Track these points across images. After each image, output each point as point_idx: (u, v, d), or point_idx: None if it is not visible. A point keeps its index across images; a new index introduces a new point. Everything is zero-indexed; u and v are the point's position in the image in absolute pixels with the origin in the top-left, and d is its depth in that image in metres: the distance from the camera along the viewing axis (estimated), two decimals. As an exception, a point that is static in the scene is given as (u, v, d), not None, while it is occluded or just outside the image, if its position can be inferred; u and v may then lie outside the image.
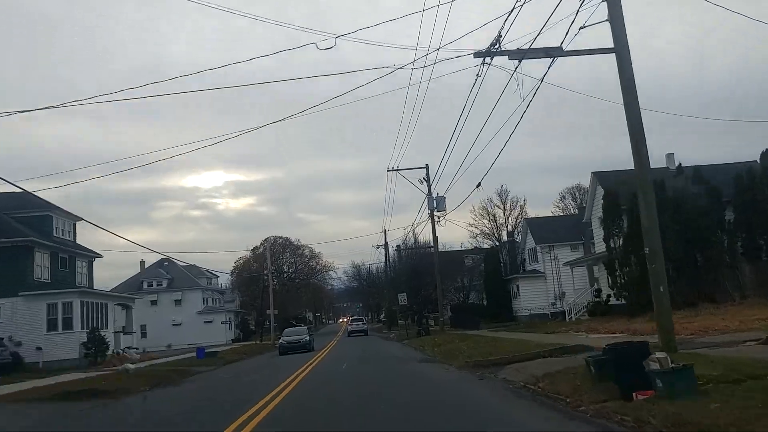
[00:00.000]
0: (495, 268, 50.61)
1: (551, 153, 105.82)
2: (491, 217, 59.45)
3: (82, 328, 31.11)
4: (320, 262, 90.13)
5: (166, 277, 70.46)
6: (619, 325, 26.39)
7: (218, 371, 26.67)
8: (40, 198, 32.59)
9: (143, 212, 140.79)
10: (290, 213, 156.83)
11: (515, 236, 59.74)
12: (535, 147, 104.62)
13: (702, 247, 29.63)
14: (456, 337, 31.33)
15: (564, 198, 64.89)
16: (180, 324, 68.10)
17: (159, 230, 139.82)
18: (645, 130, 13.18)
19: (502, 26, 12.75)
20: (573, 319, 35.62)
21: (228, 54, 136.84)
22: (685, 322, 21.31)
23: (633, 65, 13.14)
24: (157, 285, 70.08)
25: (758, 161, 30.91)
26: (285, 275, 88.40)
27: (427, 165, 43.54)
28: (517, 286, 48.02)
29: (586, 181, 65.73)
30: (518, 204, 59.25)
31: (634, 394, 8.04)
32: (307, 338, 34.68)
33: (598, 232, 36.50)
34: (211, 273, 77.61)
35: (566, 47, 13.23)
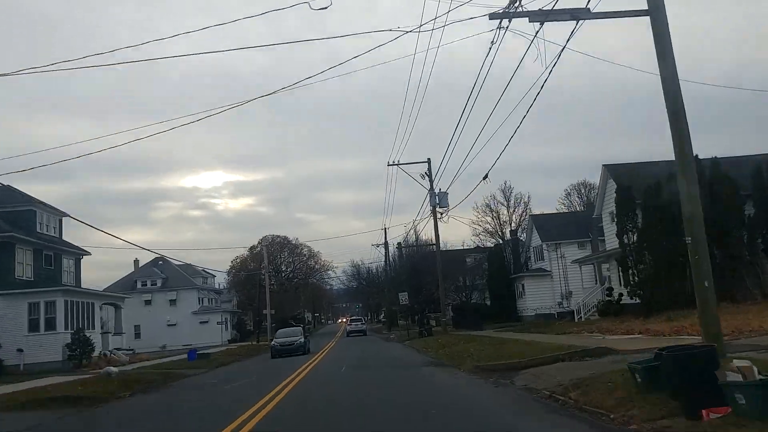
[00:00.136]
0: (499, 267, 48.95)
1: (553, 153, 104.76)
2: (494, 215, 57.77)
3: (66, 328, 29.43)
4: (319, 261, 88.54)
5: (161, 276, 68.76)
6: (635, 325, 24.76)
7: (208, 375, 25.05)
8: (23, 192, 30.94)
9: (143, 212, 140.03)
10: (290, 213, 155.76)
11: (519, 234, 58.06)
12: (537, 147, 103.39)
13: (720, 243, 28.00)
14: (460, 338, 29.72)
15: (570, 195, 63.28)
16: (175, 324, 66.44)
17: (158, 230, 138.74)
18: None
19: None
20: (582, 319, 33.99)
21: (226, 53, 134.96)
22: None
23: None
24: (152, 284, 68.40)
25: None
26: (283, 275, 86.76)
27: (429, 159, 41.98)
28: (523, 285, 46.36)
29: (592, 178, 64.75)
30: (522, 201, 57.57)
31: (703, 412, 6.40)
32: (302, 340, 32.11)
33: (609, 228, 34.88)
34: (207, 272, 75.91)
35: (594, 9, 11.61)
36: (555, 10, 11.52)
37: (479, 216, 57.83)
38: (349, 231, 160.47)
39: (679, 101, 11.49)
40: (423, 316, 49.25)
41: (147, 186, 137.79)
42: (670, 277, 28.18)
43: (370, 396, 12.63)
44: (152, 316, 66.15)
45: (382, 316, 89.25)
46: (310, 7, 10.58)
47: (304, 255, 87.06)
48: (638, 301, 29.78)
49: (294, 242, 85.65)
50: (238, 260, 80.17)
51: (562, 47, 12.41)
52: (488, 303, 54.09)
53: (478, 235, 59.45)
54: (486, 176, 25.33)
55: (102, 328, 37.89)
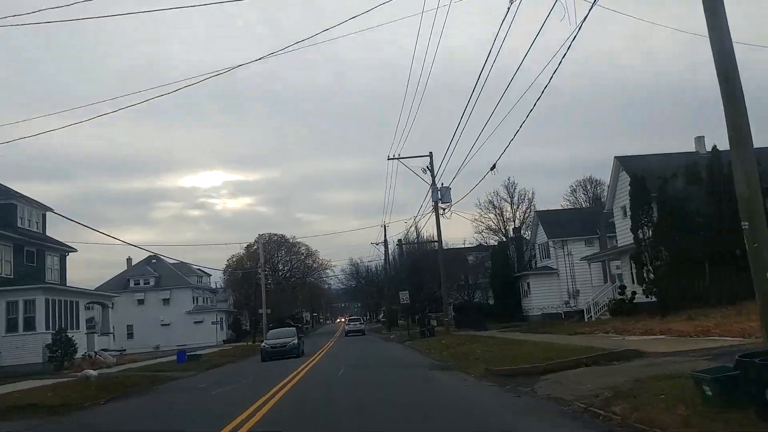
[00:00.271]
0: (503, 265, 47.23)
1: (554, 153, 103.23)
2: (498, 212, 56.08)
3: (47, 328, 27.74)
4: (317, 259, 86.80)
5: (154, 275, 67.00)
6: (652, 324, 23.11)
7: (197, 377, 23.40)
8: (2, 185, 29.21)
9: (142, 212, 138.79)
10: (289, 213, 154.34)
11: (523, 231, 56.45)
12: (538, 147, 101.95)
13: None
14: (465, 339, 28.06)
15: (575, 191, 61.55)
16: (168, 324, 64.73)
17: (158, 230, 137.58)
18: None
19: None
20: (593, 318, 32.34)
21: (225, 53, 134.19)
22: (747, 321, 17.97)
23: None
24: (144, 283, 66.64)
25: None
26: (280, 274, 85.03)
27: (431, 153, 40.42)
28: (528, 284, 44.69)
29: (596, 175, 63.29)
30: (526, 197, 55.84)
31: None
32: (296, 341, 29.44)
33: (622, 224, 33.26)
34: (202, 271, 74.17)
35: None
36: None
37: (482, 213, 56.19)
38: (349, 230, 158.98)
39: (732, 60, 9.84)
40: (424, 315, 47.56)
41: (147, 186, 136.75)
42: (688, 274, 26.60)
43: (370, 402, 10.97)
44: (145, 315, 64.47)
45: (381, 316, 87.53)
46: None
47: (302, 253, 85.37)
48: (653, 299, 28.16)
49: (291, 240, 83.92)
50: (234, 259, 78.38)
51: (592, 3, 10.79)
52: (491, 302, 52.43)
53: (480, 232, 57.85)
54: (494, 166, 23.88)
55: (93, 328, 36.28)
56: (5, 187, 30.20)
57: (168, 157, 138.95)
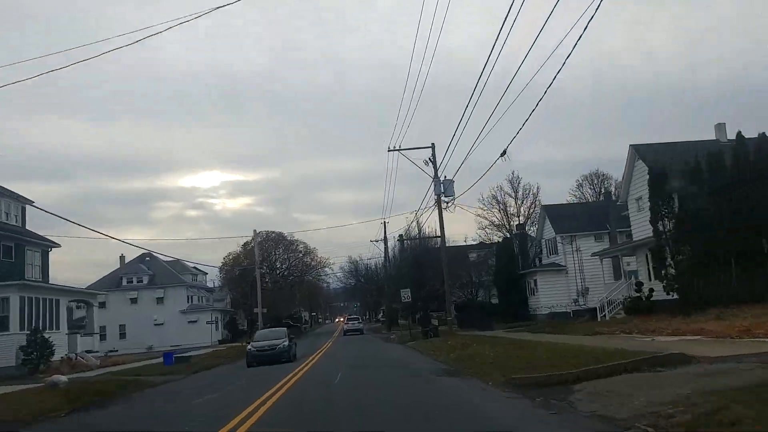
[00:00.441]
0: (508, 262, 45.21)
1: (556, 153, 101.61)
2: (501, 207, 54.04)
3: (22, 329, 25.77)
4: (315, 258, 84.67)
5: (147, 273, 65.00)
6: (678, 324, 21.18)
7: (183, 382, 21.48)
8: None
9: (142, 212, 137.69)
10: (289, 213, 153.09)
11: (526, 228, 54.46)
12: (540, 147, 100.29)
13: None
14: (472, 340, 26.11)
15: (581, 186, 59.48)
16: (162, 324, 62.78)
17: (158, 230, 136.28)
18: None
19: None
20: (607, 317, 30.39)
21: (224, 53, 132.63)
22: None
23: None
24: (138, 281, 64.64)
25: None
26: (278, 272, 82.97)
27: (433, 144, 38.50)
28: (535, 281, 42.71)
29: (603, 170, 61.30)
30: (531, 192, 53.79)
31: None
32: (286, 343, 25.97)
33: (637, 217, 31.35)
34: (197, 269, 72.17)
35: None
36: None
37: (485, 208, 54.18)
38: (347, 230, 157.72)
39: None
40: (426, 314, 45.54)
41: (146, 186, 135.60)
42: (712, 270, 24.67)
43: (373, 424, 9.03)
44: (138, 315, 62.58)
45: (380, 315, 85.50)
46: None
47: (300, 251, 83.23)
48: (673, 297, 26.24)
49: (289, 238, 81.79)
50: (230, 257, 76.32)
51: None
52: (493, 301, 50.49)
53: (484, 228, 55.84)
54: (504, 152, 21.98)
55: (83, 328, 34.30)
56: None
57: (168, 157, 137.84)
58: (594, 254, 36.76)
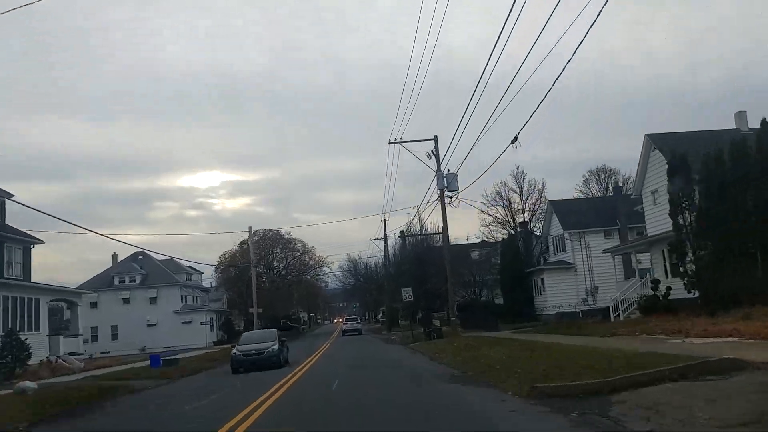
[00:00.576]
0: (514, 259, 43.42)
1: (555, 153, 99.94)
2: (505, 203, 52.19)
3: (-3, 330, 24.05)
4: (313, 257, 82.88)
5: (140, 272, 63.20)
6: (704, 324, 19.30)
7: (162, 389, 19.75)
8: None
9: (142, 212, 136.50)
10: (288, 213, 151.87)
11: (531, 225, 52.72)
12: (541, 147, 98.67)
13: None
14: (479, 342, 24.41)
15: (588, 182, 57.64)
16: (155, 324, 61.00)
17: (158, 230, 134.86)
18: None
19: None
20: (621, 317, 28.66)
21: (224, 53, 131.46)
22: None
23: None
24: (130, 281, 62.83)
25: None
26: (275, 271, 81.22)
27: (435, 136, 36.90)
28: (542, 280, 40.96)
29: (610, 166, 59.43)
30: (536, 188, 51.91)
31: None
32: (276, 347, 23.09)
33: (652, 211, 29.64)
34: (192, 268, 70.37)
35: None
36: None
37: (488, 205, 52.38)
38: (347, 229, 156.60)
39: None
40: (427, 314, 43.75)
41: (146, 186, 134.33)
42: (738, 266, 22.93)
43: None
44: (131, 315, 60.80)
45: (380, 316, 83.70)
46: None
47: (298, 250, 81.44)
48: (693, 295, 24.52)
49: (287, 237, 79.97)
50: (227, 256, 74.47)
51: None
52: (496, 301, 48.74)
53: (487, 225, 54.02)
54: (515, 139, 20.33)
55: (81, 331, 32.57)
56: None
57: (168, 157, 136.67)
58: (605, 251, 35.01)
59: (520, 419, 8.34)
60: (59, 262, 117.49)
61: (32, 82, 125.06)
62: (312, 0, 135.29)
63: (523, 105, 16.18)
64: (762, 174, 23.23)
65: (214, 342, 60.71)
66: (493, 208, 52.43)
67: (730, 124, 30.07)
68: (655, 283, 27.94)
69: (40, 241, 32.85)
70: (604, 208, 41.04)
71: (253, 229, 55.88)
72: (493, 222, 53.14)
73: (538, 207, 51.66)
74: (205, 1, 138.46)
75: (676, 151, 25.24)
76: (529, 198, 51.85)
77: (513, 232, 50.26)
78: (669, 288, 26.82)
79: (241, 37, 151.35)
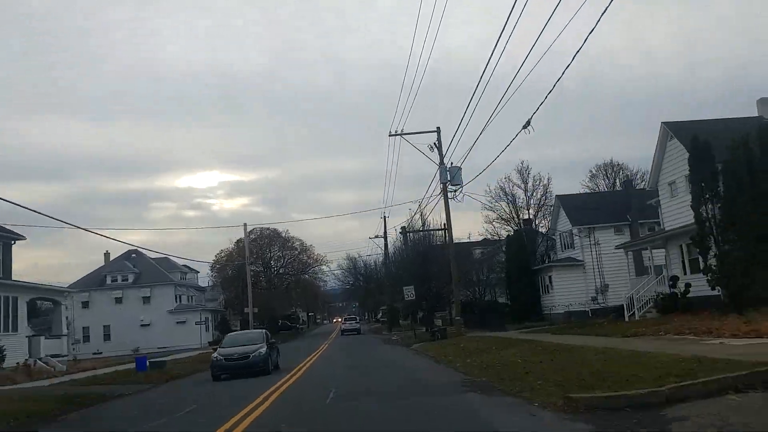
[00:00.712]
0: (520, 257, 41.70)
1: (555, 153, 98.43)
2: (510, 199, 50.45)
3: (-32, 330, 22.33)
4: (312, 255, 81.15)
5: (133, 270, 61.47)
6: (735, 324, 17.62)
7: (147, 395, 18.09)
8: None
9: (141, 212, 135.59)
10: (288, 213, 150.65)
11: (536, 223, 51.03)
12: (542, 146, 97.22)
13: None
14: (489, 343, 22.71)
15: (595, 177, 55.91)
16: (149, 324, 59.33)
17: (157, 230, 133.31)
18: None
19: None
20: (636, 317, 26.94)
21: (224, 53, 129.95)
22: None
23: None
24: (123, 280, 61.12)
25: None
26: (273, 271, 79.52)
27: (438, 128, 35.38)
28: (550, 278, 39.24)
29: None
30: (541, 183, 50.14)
31: None
32: (264, 350, 20.13)
33: (669, 204, 27.96)
34: (187, 267, 68.64)
35: None
36: None
37: (492, 199, 50.64)
38: (346, 229, 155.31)
39: None
40: (429, 314, 42.07)
41: (146, 186, 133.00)
42: (766, 261, 21.27)
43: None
44: (123, 315, 59.15)
45: (380, 316, 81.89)
46: None
47: (296, 249, 79.77)
48: (717, 292, 22.84)
49: (285, 236, 78.23)
50: (223, 254, 72.70)
51: None
52: (500, 300, 47.00)
53: (491, 222, 52.30)
54: (528, 123, 18.68)
55: (65, 331, 30.83)
56: None
57: (167, 157, 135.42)
58: (618, 247, 33.32)
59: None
60: (58, 262, 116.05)
61: (32, 82, 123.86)
62: (312, 0, 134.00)
63: (529, 100, 15.64)
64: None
65: (209, 342, 58.87)
66: (496, 204, 50.74)
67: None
68: (674, 280, 26.28)
69: (21, 237, 31.11)
70: (614, 203, 39.35)
71: (250, 227, 54.17)
72: (497, 219, 51.44)
73: (544, 203, 49.99)
74: (205, 1, 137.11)
75: (698, 137, 23.54)
76: (534, 194, 50.17)
77: (517, 228, 48.53)
78: (688, 285, 25.18)
79: (241, 37, 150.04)
